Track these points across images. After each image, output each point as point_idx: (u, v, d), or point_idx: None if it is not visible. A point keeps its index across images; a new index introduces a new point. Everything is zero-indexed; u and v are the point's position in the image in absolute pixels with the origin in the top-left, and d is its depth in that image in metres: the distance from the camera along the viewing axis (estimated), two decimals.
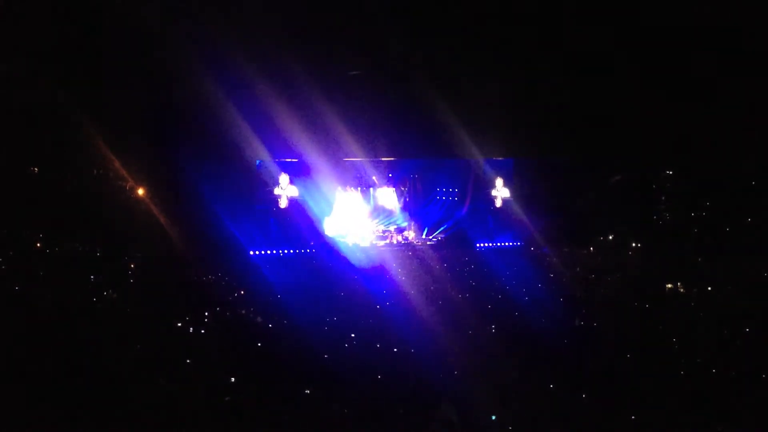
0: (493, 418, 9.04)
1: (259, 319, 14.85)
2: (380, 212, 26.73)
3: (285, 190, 23.49)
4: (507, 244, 27.17)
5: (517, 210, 26.94)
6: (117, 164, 20.94)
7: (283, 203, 23.50)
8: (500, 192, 27.13)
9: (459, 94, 22.17)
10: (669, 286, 19.80)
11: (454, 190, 27.38)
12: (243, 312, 15.40)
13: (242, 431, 7.97)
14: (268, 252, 22.92)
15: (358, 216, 26.37)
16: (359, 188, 26.48)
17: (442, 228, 26.84)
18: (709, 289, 19.00)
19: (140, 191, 21.81)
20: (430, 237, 26.81)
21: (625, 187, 26.86)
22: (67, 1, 19.17)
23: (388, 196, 26.87)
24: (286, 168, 23.52)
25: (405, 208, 27.09)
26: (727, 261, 20.96)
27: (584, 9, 20.69)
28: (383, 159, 25.98)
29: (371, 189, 26.73)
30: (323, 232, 24.77)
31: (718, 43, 20.72)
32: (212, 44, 19.27)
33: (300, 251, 23.61)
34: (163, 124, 20.83)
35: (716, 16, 20.08)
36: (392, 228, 26.53)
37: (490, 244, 26.84)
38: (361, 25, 20.10)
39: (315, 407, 9.16)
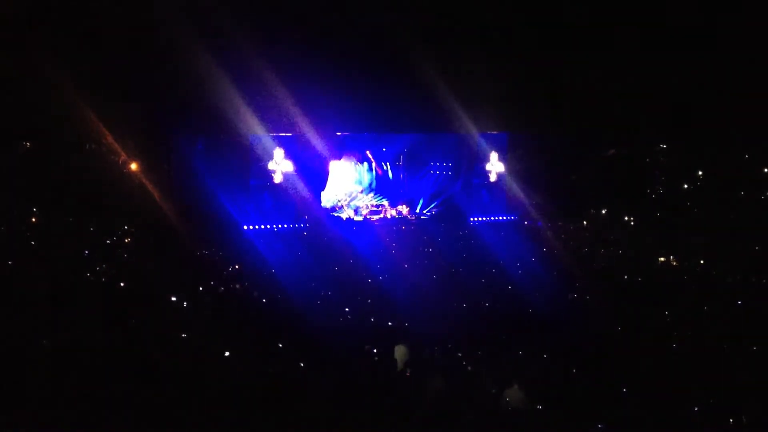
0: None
1: (254, 293, 14.89)
2: (374, 186, 26.72)
3: (279, 164, 23.39)
4: (501, 218, 27.16)
5: (511, 184, 26.93)
6: (110, 138, 20.82)
7: (277, 178, 23.41)
8: (494, 166, 27.05)
9: (454, 69, 22.09)
10: (662, 259, 19.89)
11: (448, 164, 27.34)
12: (237, 287, 15.42)
13: (236, 405, 8.01)
14: (263, 227, 22.88)
15: (353, 190, 26.36)
16: (354, 162, 26.44)
17: (436, 202, 26.85)
18: (702, 262, 19.10)
19: (133, 166, 21.73)
20: (424, 211, 26.81)
21: (619, 161, 26.90)
22: None
23: (383, 170, 26.84)
24: (280, 142, 23.41)
25: (399, 182, 27.07)
26: (720, 235, 21.02)
27: None
28: (378, 133, 25.93)
29: (366, 163, 26.70)
30: (317, 207, 24.75)
31: (710, 17, 20.65)
32: (206, 17, 19.12)
33: (294, 226, 23.57)
34: (157, 98, 20.68)
35: None
36: (386, 202, 26.52)
37: (484, 219, 26.84)
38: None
39: (309, 381, 9.22)
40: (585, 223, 26.22)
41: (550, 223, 25.38)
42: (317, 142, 23.57)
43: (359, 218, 25.54)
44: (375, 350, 10.56)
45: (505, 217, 27.20)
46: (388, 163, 27.02)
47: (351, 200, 26.12)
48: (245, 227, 22.44)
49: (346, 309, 13.63)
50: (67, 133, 20.79)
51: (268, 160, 23.31)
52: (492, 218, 27.01)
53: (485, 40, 21.67)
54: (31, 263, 15.80)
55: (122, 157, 21.52)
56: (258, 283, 15.71)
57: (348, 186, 26.30)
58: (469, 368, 10.15)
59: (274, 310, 13.55)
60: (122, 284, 14.62)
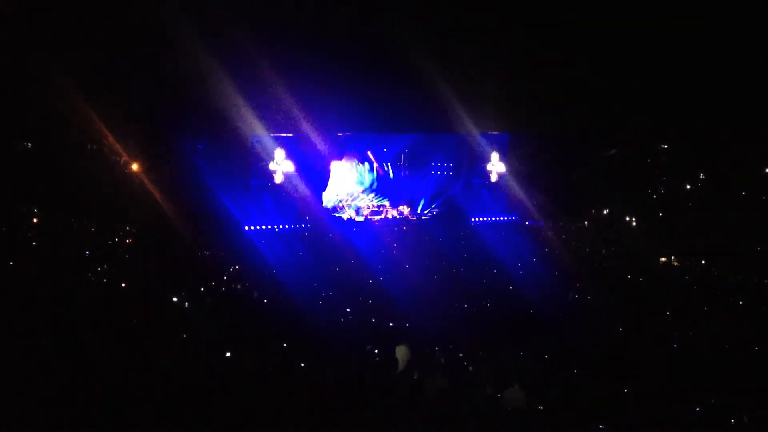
0: None
1: (254, 294, 14.88)
2: (376, 187, 26.73)
3: (280, 165, 23.38)
4: (502, 218, 27.19)
5: (513, 184, 26.95)
6: (111, 139, 20.81)
7: (278, 178, 23.41)
8: (495, 166, 27.08)
9: (454, 69, 22.08)
10: (663, 259, 19.90)
11: (449, 164, 27.38)
12: (238, 287, 15.41)
13: (238, 405, 8.00)
14: (263, 227, 22.88)
15: (354, 191, 26.37)
16: (355, 163, 26.45)
17: (437, 202, 26.87)
18: (703, 262, 19.10)
19: (135, 166, 21.72)
20: (425, 211, 26.83)
21: (620, 161, 26.89)
22: None
23: (384, 171, 26.86)
24: (281, 143, 23.40)
25: (400, 182, 27.08)
26: (720, 235, 21.02)
27: None
28: (379, 133, 25.94)
29: (367, 163, 26.71)
30: (319, 207, 24.75)
31: (714, 19, 20.64)
32: (206, 17, 19.11)
33: (295, 226, 23.57)
34: (157, 98, 20.68)
35: None
36: (387, 202, 26.53)
37: (485, 219, 26.86)
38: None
39: (310, 381, 9.21)
40: (586, 223, 26.24)
41: (551, 223, 25.39)
42: (318, 143, 23.56)
43: (360, 218, 25.55)
44: (376, 350, 10.55)
45: (506, 218, 27.22)
46: (389, 164, 27.05)
47: (352, 200, 26.13)
48: (246, 228, 22.45)
49: (347, 309, 13.62)
50: (68, 134, 20.78)
51: (269, 161, 23.31)
52: (493, 218, 27.03)
53: (486, 40, 21.65)
54: (31, 263, 15.80)
55: (123, 158, 21.50)
56: (259, 283, 15.71)
57: (349, 186, 26.32)
58: (470, 368, 10.14)
59: (275, 310, 13.54)
60: (123, 285, 14.62)
